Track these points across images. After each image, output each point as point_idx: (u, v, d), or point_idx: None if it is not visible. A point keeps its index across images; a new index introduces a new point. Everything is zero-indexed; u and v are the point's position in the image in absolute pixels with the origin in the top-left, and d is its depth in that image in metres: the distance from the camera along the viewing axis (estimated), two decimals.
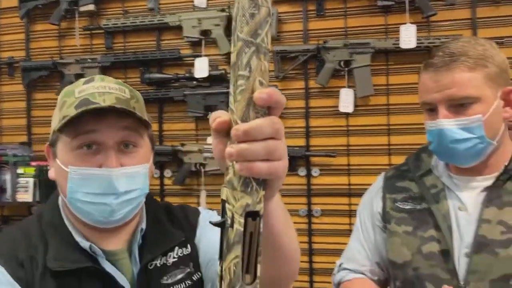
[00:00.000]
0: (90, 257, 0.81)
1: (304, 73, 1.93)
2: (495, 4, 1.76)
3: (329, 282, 1.79)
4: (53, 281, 0.79)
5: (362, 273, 1.16)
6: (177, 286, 0.86)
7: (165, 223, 0.91)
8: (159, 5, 2.07)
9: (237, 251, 0.46)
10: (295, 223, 0.69)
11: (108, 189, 0.79)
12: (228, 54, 1.98)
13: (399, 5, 1.81)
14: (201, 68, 1.96)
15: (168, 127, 2.06)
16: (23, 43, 2.20)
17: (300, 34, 1.93)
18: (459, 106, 0.98)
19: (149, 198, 0.89)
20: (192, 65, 2.00)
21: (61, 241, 0.82)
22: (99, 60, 2.08)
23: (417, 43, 1.77)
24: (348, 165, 1.90)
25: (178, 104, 2.02)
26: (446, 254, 0.99)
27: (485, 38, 1.06)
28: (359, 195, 1.83)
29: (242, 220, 0.46)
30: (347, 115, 1.89)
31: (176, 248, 0.88)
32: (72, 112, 0.79)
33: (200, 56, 1.98)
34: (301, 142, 1.91)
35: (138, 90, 0.89)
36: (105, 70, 2.05)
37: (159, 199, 0.99)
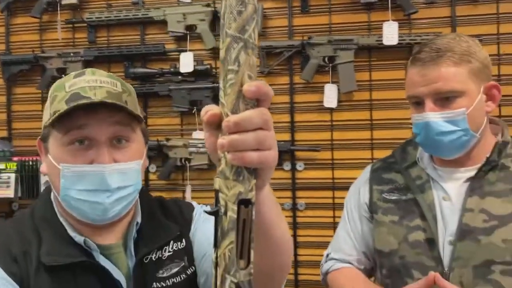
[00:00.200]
0: (85, 252, 0.81)
1: (289, 69, 1.95)
2: (474, 3, 1.82)
3: (314, 274, 1.84)
4: (47, 276, 0.78)
5: (349, 263, 1.19)
6: (172, 279, 0.86)
7: (160, 217, 0.91)
8: None
9: (231, 237, 0.48)
10: None
11: (101, 185, 0.79)
12: (213, 49, 1.99)
13: (382, 3, 1.85)
14: (186, 63, 1.96)
15: (153, 122, 2.05)
16: (3, 36, 2.15)
17: (285, 30, 1.95)
18: (444, 99, 1.02)
19: (143, 192, 0.89)
20: (176, 59, 2.00)
21: (55, 236, 0.82)
22: (82, 54, 2.05)
23: (399, 40, 1.81)
24: (332, 159, 1.93)
25: (163, 99, 2.01)
26: (431, 242, 1.03)
27: (468, 36, 1.11)
28: (343, 188, 1.88)
29: (235, 208, 0.48)
30: (331, 110, 1.92)
31: (171, 242, 0.89)
32: (63, 107, 0.78)
33: (185, 51, 1.98)
34: (286, 136, 1.94)
35: None
36: (88, 64, 2.03)
37: None
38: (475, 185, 1.04)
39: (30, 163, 2.01)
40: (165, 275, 0.86)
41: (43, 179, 2.01)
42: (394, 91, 1.87)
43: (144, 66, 2.03)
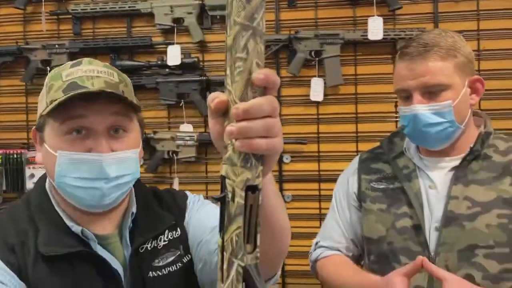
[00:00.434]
0: (82, 242, 0.81)
1: (276, 62, 1.98)
2: (455, 0, 1.87)
3: (301, 265, 1.87)
4: (45, 266, 0.78)
5: (338, 250, 1.23)
6: (168, 268, 0.87)
7: (155, 207, 0.92)
8: None
9: (238, 222, 0.48)
10: None
11: (99, 174, 0.79)
12: (200, 43, 1.99)
13: None
14: (173, 55, 1.96)
15: None
16: None
17: (272, 24, 1.97)
18: (431, 92, 1.06)
19: (137, 182, 0.90)
20: (163, 52, 2.00)
21: (51, 225, 0.82)
22: (67, 46, 2.03)
23: (384, 35, 1.85)
24: (318, 152, 1.97)
25: (150, 92, 2.01)
26: (418, 228, 1.07)
27: (454, 31, 1.15)
28: (329, 180, 1.92)
29: (243, 194, 0.48)
30: (317, 103, 1.96)
31: (167, 231, 0.89)
32: (60, 96, 0.78)
33: (172, 44, 1.98)
34: None
35: None
36: (74, 56, 2.00)
37: None
38: (460, 174, 1.08)
39: (15, 156, 1.99)
40: (160, 264, 0.86)
41: (28, 172, 1.99)
42: (378, 85, 1.91)
43: (131, 59, 2.02)
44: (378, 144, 1.27)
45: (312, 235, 1.38)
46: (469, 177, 1.07)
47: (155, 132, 1.99)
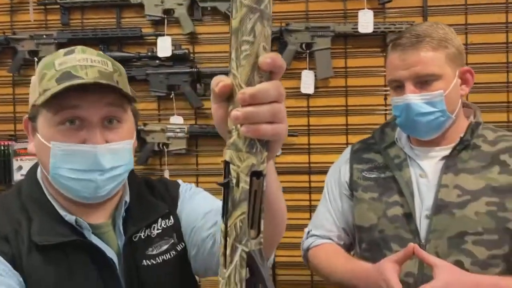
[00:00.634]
0: (76, 231, 0.81)
1: None
2: None
3: (291, 256, 1.89)
4: (39, 255, 0.78)
5: (330, 239, 1.24)
6: (162, 256, 0.87)
7: (148, 196, 0.92)
8: None
9: (243, 208, 0.48)
10: None
11: (94, 165, 0.79)
12: (191, 34, 1.98)
13: None
14: (164, 47, 1.94)
15: None
16: None
17: None
18: (423, 82, 1.08)
19: (130, 172, 0.89)
20: (153, 44, 1.98)
21: (44, 215, 0.81)
22: (55, 36, 2.00)
23: (374, 28, 1.86)
24: (309, 144, 1.97)
25: (140, 83, 1.99)
26: (409, 216, 1.09)
27: (444, 23, 1.16)
28: (319, 172, 1.93)
29: (248, 179, 0.48)
30: (308, 96, 1.96)
31: (160, 220, 0.90)
32: (53, 85, 0.77)
33: (163, 35, 1.96)
34: None
35: None
36: (62, 47, 1.93)
37: None
38: (450, 163, 1.10)
39: (2, 148, 1.95)
40: (154, 252, 0.86)
41: (15, 164, 1.96)
42: (368, 78, 1.93)
43: (120, 50, 2.00)
44: (368, 136, 1.29)
45: (302, 227, 1.39)
46: (459, 166, 1.09)
47: (145, 124, 1.98)
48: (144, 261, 0.85)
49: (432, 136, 1.12)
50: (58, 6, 2.03)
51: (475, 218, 1.03)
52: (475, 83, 1.18)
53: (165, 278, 0.86)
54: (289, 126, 2.05)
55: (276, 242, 0.79)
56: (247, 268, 0.49)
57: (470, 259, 1.02)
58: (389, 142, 1.20)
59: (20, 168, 1.95)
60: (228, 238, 0.49)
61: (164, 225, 0.90)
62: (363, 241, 1.17)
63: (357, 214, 1.18)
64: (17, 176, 1.93)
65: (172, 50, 1.94)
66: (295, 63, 1.94)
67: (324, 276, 1.21)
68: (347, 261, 1.15)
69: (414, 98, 1.07)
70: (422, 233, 1.07)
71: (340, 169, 1.25)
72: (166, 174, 1.99)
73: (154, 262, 0.86)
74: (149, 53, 1.97)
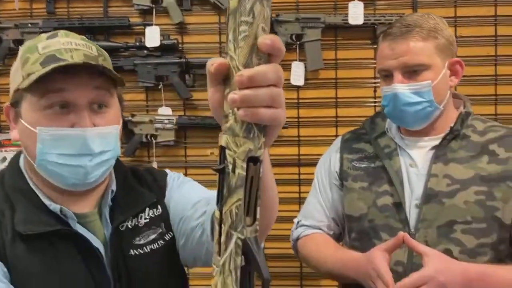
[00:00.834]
0: (61, 220, 0.79)
1: None
2: None
3: (280, 248, 1.88)
4: (24, 245, 0.76)
5: (319, 228, 1.24)
6: (150, 246, 0.86)
7: (135, 185, 0.91)
8: None
9: (239, 194, 0.47)
10: None
11: (83, 149, 0.77)
12: (180, 24, 1.96)
13: None
14: (152, 37, 1.91)
15: None
16: None
17: None
18: (412, 72, 1.08)
19: (116, 161, 0.88)
20: (141, 34, 1.95)
21: (28, 205, 0.80)
22: (41, 25, 1.96)
23: (364, 20, 1.86)
24: (298, 136, 1.97)
25: (127, 74, 1.95)
26: (399, 206, 1.09)
27: (436, 14, 1.16)
28: (308, 165, 1.93)
29: (245, 165, 0.46)
30: (297, 88, 1.95)
31: (147, 209, 0.88)
32: (38, 69, 0.75)
33: (151, 25, 1.93)
34: None
35: None
36: None
37: None
38: (439, 153, 1.10)
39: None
40: (142, 242, 0.85)
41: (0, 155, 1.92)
42: (358, 70, 1.92)
43: (107, 40, 1.96)
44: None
45: (292, 219, 1.39)
46: (449, 156, 1.09)
47: (133, 115, 1.95)
48: (131, 250, 0.84)
49: (420, 126, 1.12)
50: None
51: (464, 207, 1.04)
52: (464, 76, 1.18)
53: (152, 268, 0.85)
54: None
55: (266, 233, 0.78)
56: (242, 256, 0.47)
57: (458, 248, 1.02)
58: (379, 132, 1.20)
59: (4, 159, 1.91)
60: (223, 225, 0.48)
61: (152, 214, 0.89)
62: (352, 230, 1.17)
63: (347, 204, 1.18)
64: (1, 167, 1.89)
65: (161, 40, 1.92)
66: (285, 54, 1.93)
67: (314, 266, 1.21)
68: (336, 250, 1.15)
69: (402, 88, 1.07)
70: (412, 222, 1.07)
71: (330, 159, 1.25)
72: (154, 166, 1.96)
73: (142, 252, 0.84)
74: (137, 43, 1.94)
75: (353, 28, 1.89)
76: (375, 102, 1.91)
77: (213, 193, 0.88)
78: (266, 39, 0.44)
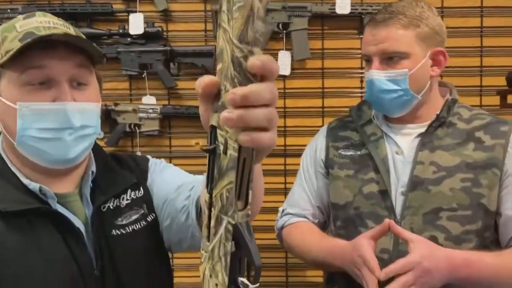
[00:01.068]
0: (40, 200, 0.79)
1: None
2: None
3: (266, 239, 1.86)
4: (1, 223, 0.75)
5: (305, 217, 1.23)
6: (132, 226, 0.86)
7: (115, 167, 0.91)
8: None
9: (231, 176, 0.44)
10: None
11: (64, 123, 0.77)
12: (164, 11, 1.92)
13: None
14: (136, 24, 1.87)
15: None
16: None
17: None
18: (390, 59, 1.07)
19: (95, 144, 0.89)
20: (124, 21, 1.91)
21: (7, 185, 0.79)
22: (21, 11, 1.90)
23: (351, 9, 1.85)
24: (285, 126, 1.95)
25: (111, 62, 1.91)
26: (385, 193, 1.08)
27: (426, 2, 1.15)
28: (294, 155, 1.91)
29: (237, 146, 0.44)
30: (284, 77, 1.93)
31: (129, 190, 0.89)
32: (17, 45, 0.74)
33: (135, 12, 1.89)
34: None
35: None
36: None
37: None
38: (426, 140, 1.09)
39: None
40: (124, 222, 0.85)
41: None
42: (345, 60, 1.91)
43: (90, 27, 1.91)
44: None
45: (277, 210, 1.37)
46: (435, 143, 1.09)
47: (116, 104, 1.91)
48: (113, 230, 0.84)
49: (399, 114, 1.11)
50: None
51: (450, 194, 1.03)
52: (449, 67, 1.18)
53: (135, 248, 0.85)
54: None
55: (252, 219, 0.77)
56: (233, 242, 0.45)
57: (444, 235, 1.02)
58: (366, 120, 1.19)
59: None
60: (213, 209, 0.46)
61: (134, 196, 0.89)
62: (338, 218, 1.16)
63: (332, 192, 1.17)
64: None
65: (145, 28, 1.88)
66: (271, 43, 1.91)
67: (299, 254, 1.19)
68: (322, 239, 1.14)
69: (378, 74, 1.07)
70: (398, 209, 1.06)
71: (316, 147, 1.24)
72: None
73: (124, 232, 0.85)
74: (121, 30, 1.89)
75: (340, 18, 1.88)
76: (361, 92, 1.90)
77: (195, 178, 0.89)
78: (256, 60, 0.41)
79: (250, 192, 0.46)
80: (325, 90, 1.94)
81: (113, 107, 1.90)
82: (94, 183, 0.86)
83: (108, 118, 1.91)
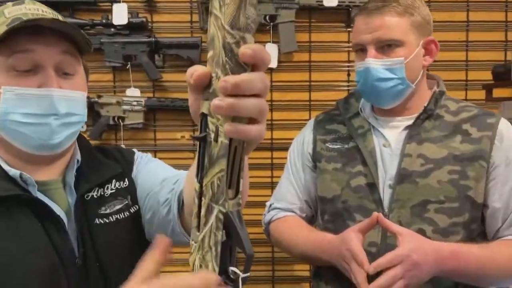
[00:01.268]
0: (20, 187, 0.78)
1: None
2: None
3: (253, 233, 1.85)
4: None
5: (292, 211, 1.21)
6: (115, 216, 0.85)
7: (100, 157, 0.91)
8: None
9: (221, 164, 0.44)
10: None
11: (49, 109, 0.76)
12: (148, 2, 1.88)
13: None
14: (119, 14, 1.83)
15: None
16: None
17: None
18: (385, 47, 1.06)
19: (80, 135, 0.88)
20: (108, 11, 1.86)
21: None
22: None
23: (339, 2, 1.83)
24: (272, 120, 1.94)
25: (93, 53, 1.86)
26: (372, 186, 1.07)
27: None
28: (281, 149, 1.90)
29: None
30: (271, 70, 1.91)
31: (114, 180, 0.88)
32: (4, 29, 0.73)
33: (118, 2, 1.85)
34: None
35: None
36: None
37: None
38: (413, 133, 1.09)
39: None
40: (108, 211, 0.85)
41: None
42: (332, 53, 1.90)
43: (72, 16, 1.87)
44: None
45: (264, 204, 1.36)
46: (423, 136, 1.08)
47: (99, 96, 1.87)
48: (96, 219, 0.83)
49: (392, 105, 1.10)
50: None
51: (438, 186, 1.03)
52: (437, 61, 1.17)
53: (118, 237, 0.84)
54: None
55: None
56: (224, 231, 0.44)
57: (431, 227, 1.02)
58: (353, 113, 1.18)
59: None
60: (203, 198, 0.45)
61: (119, 186, 0.89)
62: (325, 212, 1.15)
63: (320, 185, 1.15)
64: None
65: (129, 18, 1.84)
66: (258, 36, 1.88)
67: (286, 248, 1.18)
68: (309, 233, 1.13)
69: (374, 63, 1.05)
70: (386, 202, 1.06)
71: (303, 140, 1.22)
72: None
73: (107, 221, 0.84)
74: (104, 21, 1.85)
75: (327, 10, 1.86)
76: (348, 86, 1.90)
77: (179, 172, 0.87)
78: (247, 49, 0.41)
79: (241, 181, 0.45)
80: (312, 83, 1.92)
81: (96, 99, 1.86)
82: (78, 171, 0.85)
83: (91, 110, 1.87)
